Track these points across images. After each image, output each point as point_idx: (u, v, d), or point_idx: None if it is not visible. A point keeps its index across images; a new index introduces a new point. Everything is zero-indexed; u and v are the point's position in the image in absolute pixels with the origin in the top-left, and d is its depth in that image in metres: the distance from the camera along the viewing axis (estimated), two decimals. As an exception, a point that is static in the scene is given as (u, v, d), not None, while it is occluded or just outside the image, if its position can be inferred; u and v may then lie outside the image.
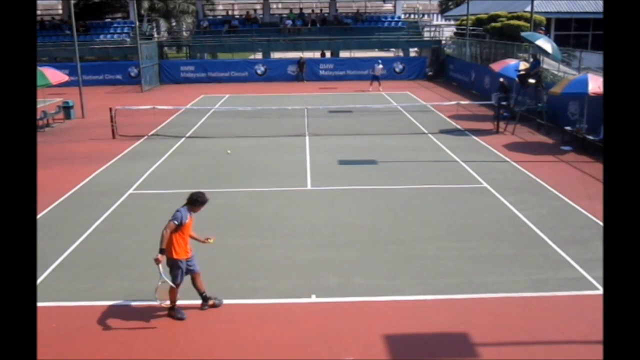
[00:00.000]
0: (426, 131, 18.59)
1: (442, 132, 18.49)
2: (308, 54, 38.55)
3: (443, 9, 63.26)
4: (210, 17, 43.84)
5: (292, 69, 34.32)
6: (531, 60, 20.62)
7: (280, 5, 51.91)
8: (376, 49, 43.15)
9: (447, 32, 43.98)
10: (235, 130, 19.01)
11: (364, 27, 37.81)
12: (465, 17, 34.60)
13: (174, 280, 6.78)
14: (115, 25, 39.95)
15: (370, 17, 40.28)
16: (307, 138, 17.59)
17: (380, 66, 30.15)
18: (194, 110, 22.68)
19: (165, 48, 41.20)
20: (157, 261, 6.62)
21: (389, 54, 48.10)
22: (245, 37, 36.48)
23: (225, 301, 7.29)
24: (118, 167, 14.44)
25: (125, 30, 37.79)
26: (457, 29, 40.30)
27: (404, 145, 16.58)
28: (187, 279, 6.97)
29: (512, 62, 20.93)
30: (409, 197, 11.69)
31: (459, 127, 19.36)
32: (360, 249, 9.03)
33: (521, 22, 29.36)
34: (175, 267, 6.77)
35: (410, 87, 30.84)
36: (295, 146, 16.50)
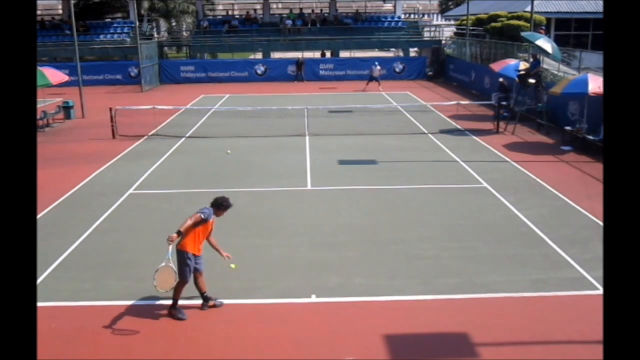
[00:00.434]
0: (426, 131, 18.59)
1: (442, 132, 18.49)
2: (308, 54, 38.58)
3: (443, 9, 63.27)
4: (210, 17, 43.86)
5: (292, 69, 34.35)
6: (531, 60, 20.62)
7: (280, 5, 51.90)
8: (376, 49, 43.14)
9: (447, 32, 43.97)
10: (235, 130, 19.01)
11: (364, 27, 37.79)
12: (465, 17, 34.60)
13: (181, 275, 6.78)
14: (115, 25, 39.95)
15: (370, 17, 40.27)
16: (307, 138, 17.59)
17: (378, 67, 30.16)
18: (194, 110, 22.68)
19: (165, 48, 41.22)
20: (169, 239, 6.64)
21: (389, 54, 48.12)
22: (245, 37, 36.48)
23: (225, 301, 7.30)
24: (118, 167, 14.44)
25: (125, 30, 37.78)
26: (457, 29, 40.29)
27: (404, 145, 16.57)
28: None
29: (512, 62, 20.95)
30: (409, 197, 11.69)
31: (459, 127, 19.36)
32: (360, 249, 9.03)
33: (521, 22, 29.35)
34: (184, 264, 6.79)
35: (410, 87, 30.85)
36: (295, 146, 16.50)
